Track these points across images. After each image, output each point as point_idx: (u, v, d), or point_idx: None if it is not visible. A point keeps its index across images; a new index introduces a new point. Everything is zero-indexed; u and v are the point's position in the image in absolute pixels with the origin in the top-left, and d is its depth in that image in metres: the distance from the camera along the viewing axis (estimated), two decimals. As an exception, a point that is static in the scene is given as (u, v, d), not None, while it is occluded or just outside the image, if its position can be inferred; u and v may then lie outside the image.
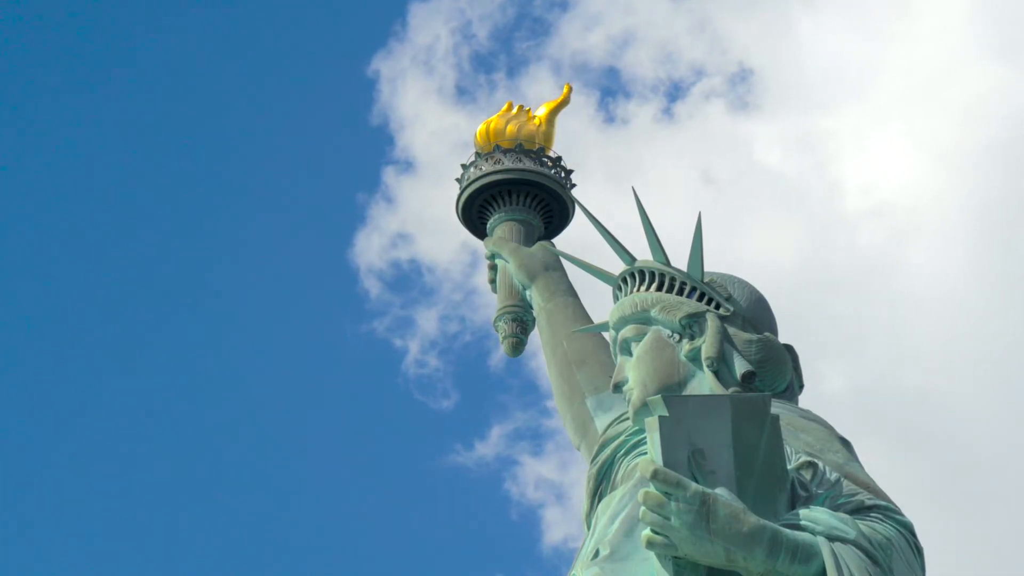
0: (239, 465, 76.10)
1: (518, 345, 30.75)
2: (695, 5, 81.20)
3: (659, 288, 24.31)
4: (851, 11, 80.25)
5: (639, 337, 24.08)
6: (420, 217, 74.01)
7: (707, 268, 24.47)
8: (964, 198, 76.10)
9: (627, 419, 23.90)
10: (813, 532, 20.11)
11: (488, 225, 32.15)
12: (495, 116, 33.21)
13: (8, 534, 73.98)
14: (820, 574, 19.93)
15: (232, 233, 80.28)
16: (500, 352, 31.13)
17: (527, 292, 30.35)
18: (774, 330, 24.42)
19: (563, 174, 32.37)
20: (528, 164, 32.14)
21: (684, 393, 23.18)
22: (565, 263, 29.79)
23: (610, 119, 78.98)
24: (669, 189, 73.92)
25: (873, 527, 20.56)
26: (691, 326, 23.83)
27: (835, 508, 20.74)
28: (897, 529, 20.84)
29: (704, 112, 79.90)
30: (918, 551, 21.12)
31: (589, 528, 22.86)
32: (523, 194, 32.02)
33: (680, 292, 24.21)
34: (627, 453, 23.48)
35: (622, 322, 24.41)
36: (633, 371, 23.87)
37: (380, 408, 78.59)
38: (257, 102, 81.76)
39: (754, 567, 19.82)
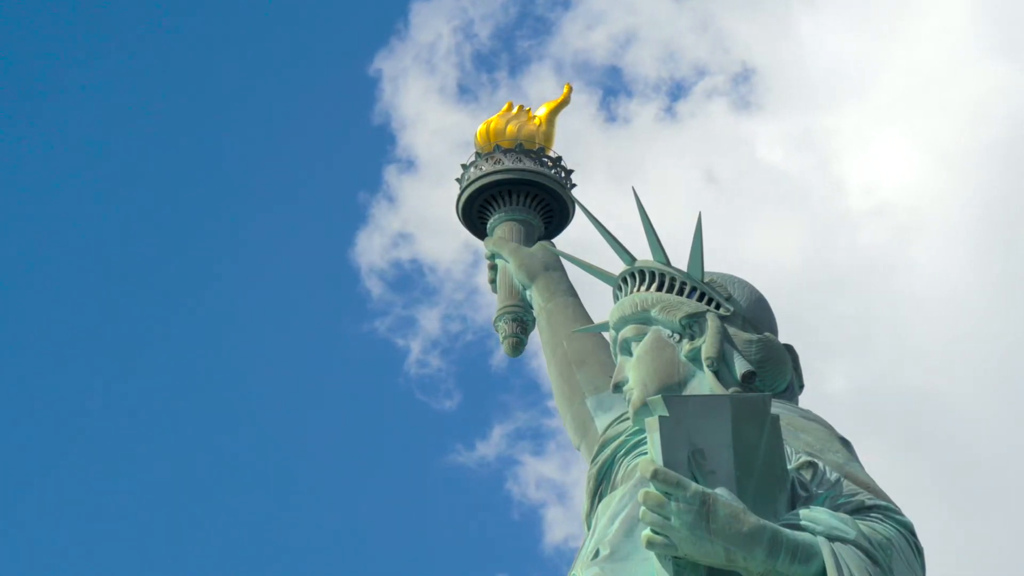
0: (240, 465, 76.12)
1: (518, 345, 30.76)
2: (697, 4, 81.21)
3: (659, 288, 24.30)
4: (853, 10, 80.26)
5: (639, 337, 24.08)
6: (422, 216, 74.02)
7: (709, 268, 24.47)
8: (966, 197, 76.11)
9: (627, 419, 23.89)
10: (813, 532, 20.09)
11: (488, 225, 32.14)
12: (495, 116, 33.21)
13: (9, 534, 74.01)
14: (820, 574, 19.92)
15: (233, 232, 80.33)
16: (502, 352, 31.16)
17: (527, 292, 30.36)
18: (774, 330, 24.41)
19: (563, 174, 32.37)
20: (528, 164, 32.14)
21: (684, 393, 23.18)
22: (565, 263, 29.79)
23: (612, 118, 78.99)
24: (671, 189, 73.93)
25: (873, 527, 20.54)
26: (691, 326, 23.82)
27: (835, 508, 20.73)
28: (897, 529, 20.83)
29: (706, 111, 79.91)
30: (918, 551, 21.10)
31: (589, 528, 22.85)
32: (523, 194, 32.02)
33: (680, 292, 24.20)
34: (627, 453, 23.47)
35: (622, 322, 24.40)
36: (633, 371, 23.86)
37: (382, 408, 78.63)
38: (258, 101, 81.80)
39: (754, 567, 19.81)
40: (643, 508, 19.83)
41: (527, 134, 32.71)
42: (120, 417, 76.03)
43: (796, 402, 24.00)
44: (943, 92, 77.09)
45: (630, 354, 24.16)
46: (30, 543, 73.36)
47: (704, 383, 23.38)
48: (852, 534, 20.15)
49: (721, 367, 23.41)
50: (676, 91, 79.90)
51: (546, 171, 32.19)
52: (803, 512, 20.32)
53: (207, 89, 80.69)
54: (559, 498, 73.72)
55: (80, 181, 79.14)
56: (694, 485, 19.67)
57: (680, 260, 24.47)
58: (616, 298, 25.01)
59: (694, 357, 23.62)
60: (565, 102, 33.87)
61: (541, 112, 33.39)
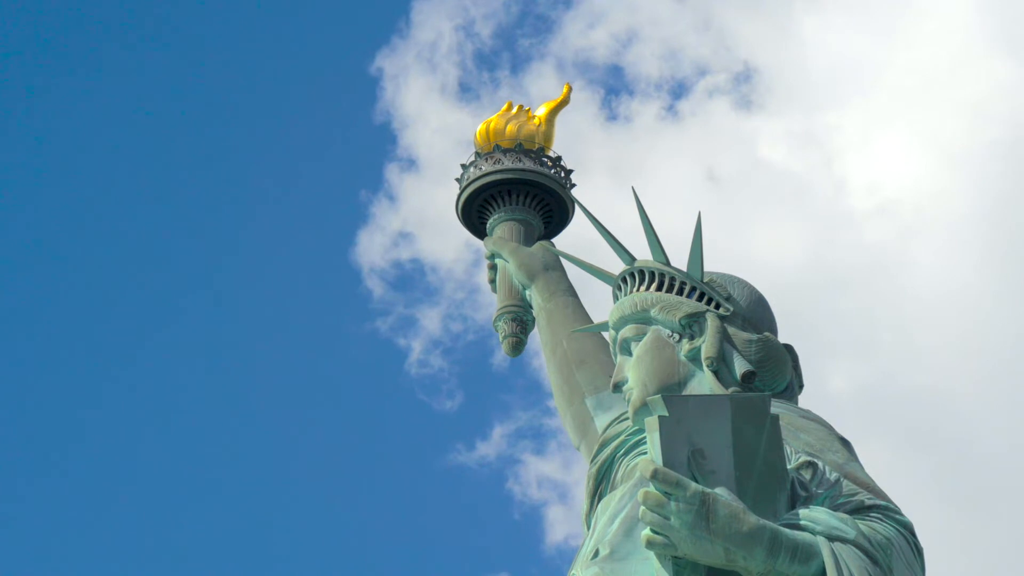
0: (241, 464, 76.16)
1: (518, 345, 30.75)
2: (699, 3, 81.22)
3: (659, 288, 24.28)
4: (855, 9, 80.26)
5: (639, 337, 24.06)
6: (423, 215, 74.08)
7: (712, 267, 24.47)
8: (969, 196, 76.08)
9: (627, 419, 23.88)
10: (813, 532, 20.08)
11: (488, 225, 32.12)
12: (495, 116, 33.21)
13: (9, 533, 74.02)
14: (820, 574, 19.92)
15: (234, 231, 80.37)
16: (503, 352, 31.13)
17: (527, 292, 30.36)
18: (774, 330, 24.38)
19: (563, 174, 32.35)
20: (528, 164, 32.13)
21: (684, 393, 23.15)
22: (565, 263, 29.76)
23: (613, 117, 78.96)
24: (672, 188, 73.93)
25: (873, 527, 20.53)
26: (691, 326, 23.80)
27: (835, 508, 20.72)
28: (897, 529, 20.81)
29: (708, 110, 79.91)
30: (918, 551, 21.09)
31: (589, 528, 22.84)
32: (523, 194, 32.01)
33: (680, 292, 24.18)
34: (627, 453, 23.46)
35: (622, 322, 24.38)
36: (633, 371, 23.84)
37: (383, 408, 78.66)
38: (260, 99, 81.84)
39: (754, 567, 19.79)
40: (643, 508, 19.82)
41: (527, 134, 32.69)
42: (121, 416, 76.11)
43: (796, 402, 23.99)
44: (946, 91, 77.11)
45: (630, 354, 24.13)
46: (30, 543, 73.40)
47: (704, 383, 23.35)
48: (852, 534, 20.13)
49: (721, 367, 23.39)
50: (678, 90, 79.94)
51: (546, 171, 32.18)
52: (803, 512, 20.30)
53: (209, 88, 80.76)
54: (560, 497, 73.76)
55: (81, 180, 79.20)
56: (694, 485, 19.64)
57: (681, 260, 24.45)
58: (616, 298, 24.99)
59: (694, 357, 23.59)
60: (565, 102, 33.87)
61: (541, 112, 33.39)
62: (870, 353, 73.28)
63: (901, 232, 76.75)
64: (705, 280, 24.25)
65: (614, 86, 79.81)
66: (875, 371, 74.06)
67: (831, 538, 20.05)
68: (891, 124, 78.51)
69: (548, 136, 32.96)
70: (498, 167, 32.11)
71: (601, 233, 25.56)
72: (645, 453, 20.89)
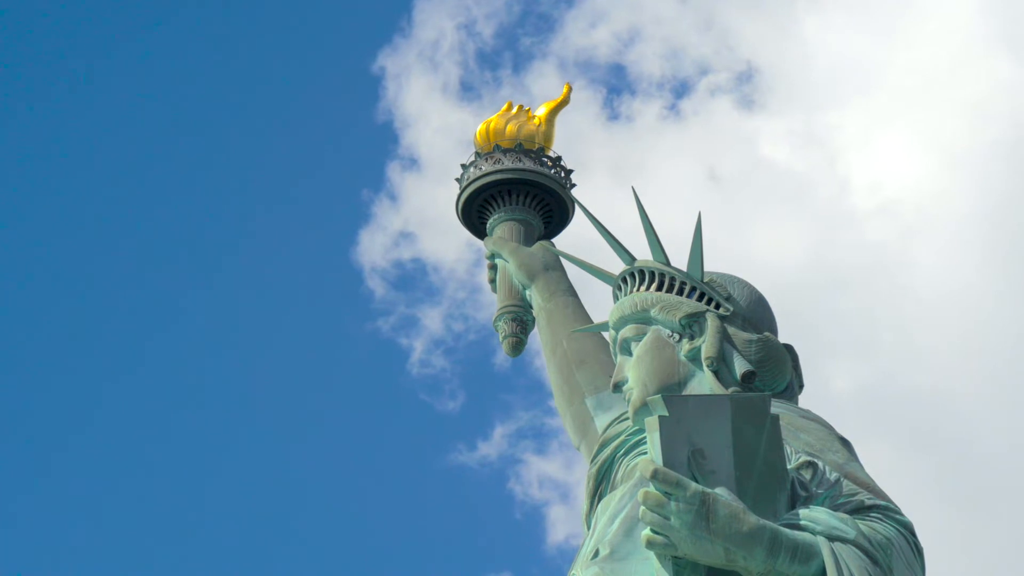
0: (243, 464, 76.16)
1: (518, 345, 30.76)
2: (701, 2, 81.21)
3: (659, 288, 24.28)
4: (857, 9, 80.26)
5: (639, 337, 24.05)
6: (424, 215, 74.06)
7: (713, 266, 24.48)
8: (971, 196, 76.07)
9: (627, 419, 23.87)
10: (813, 532, 20.08)
11: (488, 225, 32.12)
12: (495, 116, 33.21)
13: (9, 533, 74.03)
14: (820, 574, 19.93)
15: (236, 231, 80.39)
16: (503, 351, 31.14)
17: (527, 292, 30.36)
18: (774, 330, 24.37)
19: (563, 174, 32.34)
20: (528, 164, 32.13)
21: (684, 393, 23.14)
22: (565, 263, 29.76)
23: (615, 116, 78.96)
24: (674, 187, 73.93)
25: (873, 527, 20.52)
26: (691, 326, 23.79)
27: (835, 508, 20.71)
28: (897, 529, 20.80)
29: (710, 109, 79.90)
30: (918, 551, 21.08)
31: (589, 528, 22.84)
32: (523, 194, 32.01)
33: (680, 292, 24.18)
34: (627, 453, 23.46)
35: (622, 322, 24.38)
36: (633, 371, 23.83)
37: (384, 408, 78.64)
38: (261, 99, 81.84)
39: (754, 567, 19.79)
40: (643, 508, 19.82)
41: (527, 134, 32.69)
42: (122, 416, 76.12)
43: (796, 402, 23.98)
44: (947, 91, 77.09)
45: (630, 354, 24.13)
46: (30, 543, 73.41)
47: (704, 383, 23.35)
48: (852, 534, 20.13)
49: (721, 367, 23.38)
50: (679, 89, 79.92)
51: (546, 171, 32.17)
52: (803, 512, 20.30)
53: (210, 87, 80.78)
54: (562, 497, 73.76)
55: (82, 180, 79.21)
56: (694, 485, 19.64)
57: (681, 260, 24.44)
58: (616, 298, 24.99)
59: (694, 357, 23.59)
60: (565, 102, 33.86)
61: (541, 112, 33.38)
62: (871, 353, 73.29)
63: (902, 232, 76.78)
64: (705, 280, 24.24)
65: (616, 85, 79.86)
66: (876, 371, 74.07)
67: (831, 538, 20.04)
68: (892, 124, 78.56)
69: (548, 136, 32.96)
70: (498, 167, 32.11)
71: (601, 233, 25.56)
72: (645, 453, 20.88)
